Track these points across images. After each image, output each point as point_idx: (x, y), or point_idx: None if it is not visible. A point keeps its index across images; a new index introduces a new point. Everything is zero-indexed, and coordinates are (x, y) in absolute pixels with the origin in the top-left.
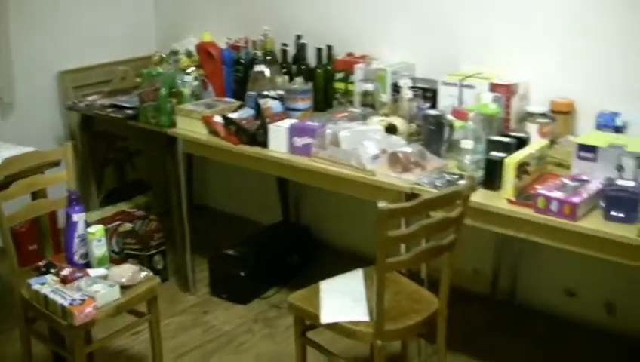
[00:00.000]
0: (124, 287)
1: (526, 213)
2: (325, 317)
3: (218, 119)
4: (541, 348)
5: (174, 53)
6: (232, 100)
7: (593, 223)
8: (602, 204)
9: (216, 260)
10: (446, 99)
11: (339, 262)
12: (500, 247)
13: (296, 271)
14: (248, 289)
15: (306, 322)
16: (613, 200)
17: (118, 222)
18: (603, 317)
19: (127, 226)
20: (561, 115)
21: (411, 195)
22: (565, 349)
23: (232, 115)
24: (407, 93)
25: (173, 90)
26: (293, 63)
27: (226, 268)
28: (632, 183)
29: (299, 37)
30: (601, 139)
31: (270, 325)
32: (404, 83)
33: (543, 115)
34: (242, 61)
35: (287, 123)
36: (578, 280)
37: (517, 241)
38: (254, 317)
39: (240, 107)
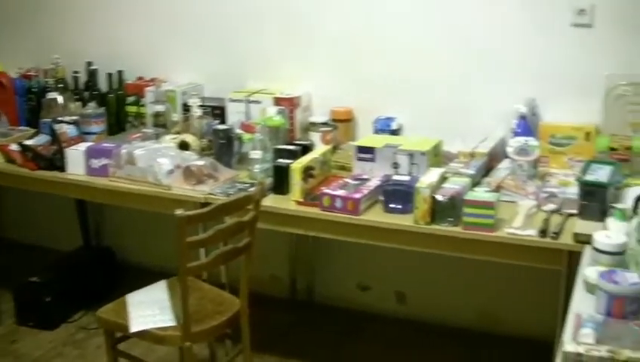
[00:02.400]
0: None
1: (314, 212)
2: (134, 327)
3: (14, 147)
4: (341, 341)
5: None
6: (27, 128)
7: (375, 216)
8: (382, 198)
9: (20, 289)
10: (234, 115)
11: (144, 279)
12: (295, 251)
13: (102, 293)
14: (55, 315)
15: (117, 334)
16: (391, 194)
17: None
18: (394, 305)
19: None
20: (342, 122)
21: (206, 205)
22: (363, 338)
23: (28, 142)
24: (196, 112)
25: None
26: (85, 90)
27: (31, 296)
28: (407, 178)
29: (89, 63)
30: (378, 141)
31: (80, 346)
32: (194, 102)
33: (324, 123)
34: (34, 90)
35: (83, 146)
36: (370, 274)
37: (310, 243)
38: (64, 341)
39: (35, 134)
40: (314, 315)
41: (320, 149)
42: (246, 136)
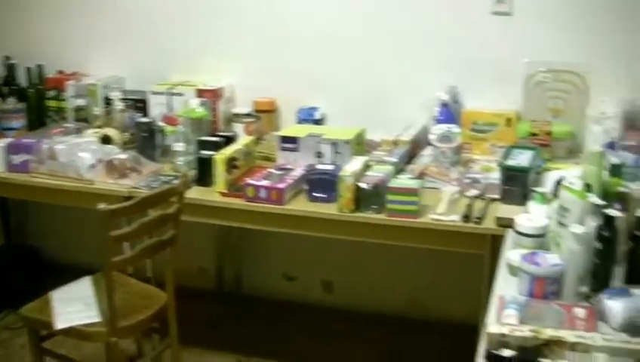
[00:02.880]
0: None
1: (238, 202)
2: (59, 323)
3: None
4: (268, 332)
5: None
6: None
7: (299, 205)
8: (306, 187)
9: None
10: (157, 108)
11: (70, 276)
12: (221, 243)
13: (27, 292)
14: None
15: (42, 333)
16: (315, 183)
17: None
18: (321, 295)
19: None
20: (265, 113)
21: (130, 199)
22: (290, 329)
23: None
24: (118, 105)
25: None
26: (4, 85)
27: None
28: (330, 167)
29: (7, 58)
30: (301, 130)
31: (4, 346)
32: (115, 95)
33: (248, 114)
34: None
35: (3, 142)
36: (296, 264)
37: (237, 235)
38: None
39: None
40: (241, 306)
41: (243, 140)
42: (169, 128)
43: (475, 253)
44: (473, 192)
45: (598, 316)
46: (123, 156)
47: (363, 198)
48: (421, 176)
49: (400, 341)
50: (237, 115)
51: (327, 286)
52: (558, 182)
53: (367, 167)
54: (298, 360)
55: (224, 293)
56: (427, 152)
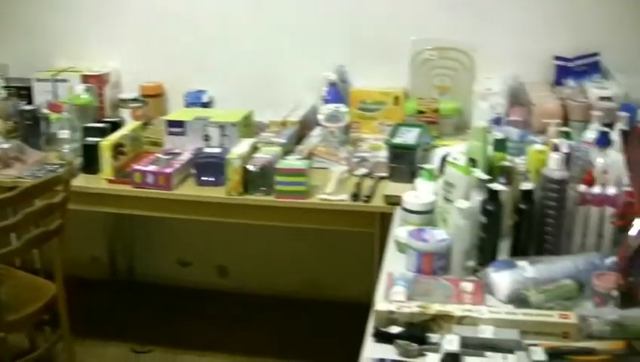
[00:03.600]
0: None
1: (126, 189)
2: None
3: None
4: (164, 319)
5: None
6: None
7: (188, 190)
8: (194, 171)
9: None
10: (41, 95)
11: None
12: (113, 231)
13: None
14: None
15: None
16: (203, 166)
17: None
18: (217, 279)
19: None
20: (152, 98)
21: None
22: (186, 315)
23: None
24: (1, 93)
25: None
26: None
27: None
28: (218, 150)
29: None
30: (188, 114)
31: None
32: None
33: (134, 100)
34: None
35: None
36: (190, 249)
37: (128, 222)
38: None
39: None
40: (136, 295)
41: (130, 126)
42: (53, 116)
43: (367, 232)
44: (362, 171)
45: (485, 289)
46: (6, 146)
47: (251, 180)
48: (310, 156)
49: (296, 322)
50: (123, 101)
51: (223, 270)
52: (444, 159)
53: (255, 149)
54: (195, 346)
55: (117, 282)
56: (316, 133)
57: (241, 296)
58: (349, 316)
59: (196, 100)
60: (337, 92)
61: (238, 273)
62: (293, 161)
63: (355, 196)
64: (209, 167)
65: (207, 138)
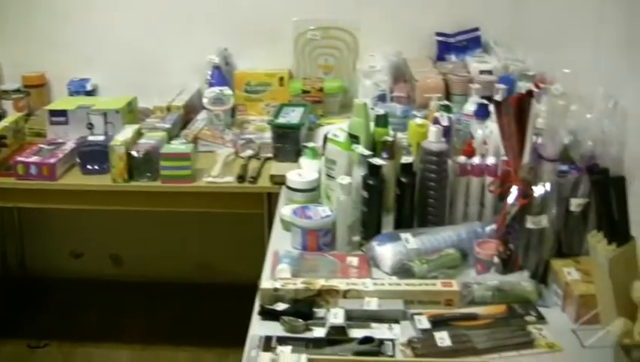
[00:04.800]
0: None
1: (10, 181)
2: None
3: None
4: (60, 313)
5: None
6: None
7: (73, 179)
8: (78, 160)
9: None
10: None
11: None
12: (1, 226)
13: None
14: None
15: None
16: (87, 155)
17: None
18: (111, 269)
19: None
20: (34, 88)
21: None
22: (81, 307)
23: None
24: None
25: None
26: None
27: None
28: (102, 138)
29: None
30: (71, 103)
31: None
32: None
33: (16, 90)
34: None
35: None
36: (83, 240)
37: (16, 216)
38: None
39: None
40: (29, 290)
41: (11, 117)
42: None
43: (257, 213)
44: (248, 153)
45: (371, 263)
46: None
47: (135, 167)
48: (195, 140)
49: (191, 307)
50: (5, 92)
51: (117, 260)
52: (326, 137)
53: (139, 135)
54: (91, 338)
55: (9, 278)
56: (201, 116)
57: (137, 284)
58: (245, 298)
59: (80, 89)
60: (221, 75)
61: (132, 261)
62: (176, 146)
63: (241, 178)
64: (93, 156)
65: (90, 126)
